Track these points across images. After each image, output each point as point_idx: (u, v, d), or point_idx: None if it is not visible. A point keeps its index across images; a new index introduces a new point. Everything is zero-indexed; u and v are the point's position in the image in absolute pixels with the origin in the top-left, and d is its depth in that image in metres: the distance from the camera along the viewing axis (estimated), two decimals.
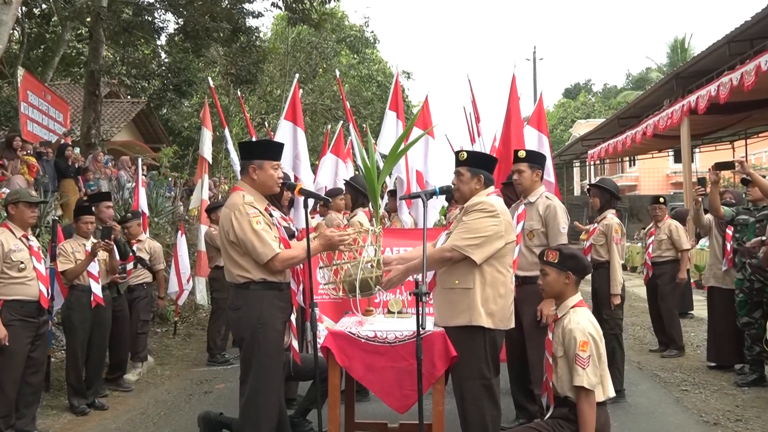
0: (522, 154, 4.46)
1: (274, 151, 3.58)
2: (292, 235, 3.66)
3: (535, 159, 4.47)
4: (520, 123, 6.47)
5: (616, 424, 4.47)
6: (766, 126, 17.53)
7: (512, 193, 5.37)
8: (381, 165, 6.00)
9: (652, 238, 7.22)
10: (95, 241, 5.33)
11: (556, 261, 3.26)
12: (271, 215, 3.51)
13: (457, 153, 3.64)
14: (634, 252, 18.29)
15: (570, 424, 3.09)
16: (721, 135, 18.96)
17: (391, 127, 7.04)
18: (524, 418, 4.31)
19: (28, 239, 4.58)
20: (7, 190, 6.93)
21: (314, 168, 8.10)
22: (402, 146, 3.89)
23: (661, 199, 7.56)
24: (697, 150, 20.88)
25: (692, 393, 5.53)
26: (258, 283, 3.35)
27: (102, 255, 5.37)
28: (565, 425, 3.10)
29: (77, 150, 11.93)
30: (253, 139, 7.27)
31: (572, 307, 3.23)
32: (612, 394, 3.18)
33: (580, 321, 3.14)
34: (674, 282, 6.98)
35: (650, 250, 7.21)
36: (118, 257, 5.72)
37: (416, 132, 6.35)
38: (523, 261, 4.32)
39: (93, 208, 5.75)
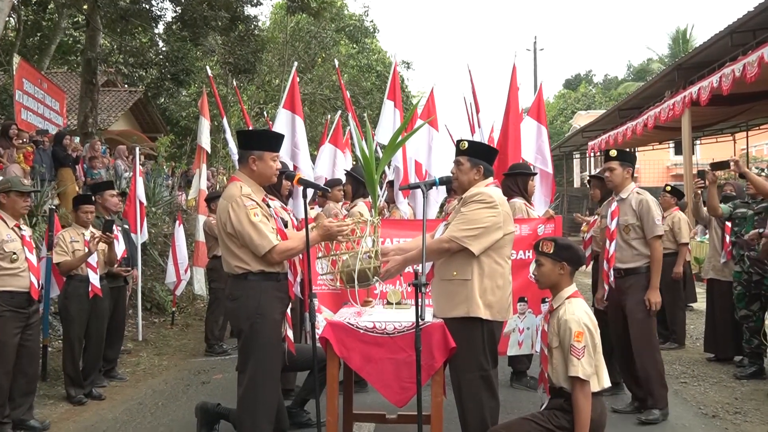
0: (613, 153, 4.68)
1: (274, 142, 3.56)
2: (287, 224, 3.62)
3: (626, 157, 4.72)
4: (519, 114, 6.44)
5: (613, 416, 4.47)
6: (767, 118, 17.47)
7: (513, 184, 5.35)
8: (380, 155, 5.96)
9: None
10: (94, 231, 5.29)
11: (551, 252, 3.24)
12: (268, 206, 3.48)
13: (457, 142, 3.60)
14: None
15: (566, 415, 3.08)
16: (722, 127, 18.92)
17: (389, 116, 6.99)
18: (638, 401, 4.66)
19: (20, 229, 4.53)
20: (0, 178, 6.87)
21: (314, 158, 8.05)
22: (401, 137, 3.86)
23: (668, 188, 7.34)
24: (697, 142, 20.85)
25: (691, 385, 5.53)
26: (256, 274, 3.33)
27: (101, 245, 5.34)
28: (561, 416, 3.10)
29: (77, 139, 11.86)
30: (251, 128, 7.21)
31: (567, 297, 3.22)
32: (607, 384, 3.17)
33: (576, 311, 3.13)
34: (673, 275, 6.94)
35: None
36: (118, 250, 5.67)
37: (418, 123, 6.30)
38: (622, 254, 4.58)
39: (96, 198, 5.71)
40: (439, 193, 6.74)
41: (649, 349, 4.52)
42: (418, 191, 4.05)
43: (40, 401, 5.08)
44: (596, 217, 5.52)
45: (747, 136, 20.00)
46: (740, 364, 5.91)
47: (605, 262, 4.66)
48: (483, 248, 3.28)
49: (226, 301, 3.53)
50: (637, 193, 4.61)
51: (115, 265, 5.68)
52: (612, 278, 4.61)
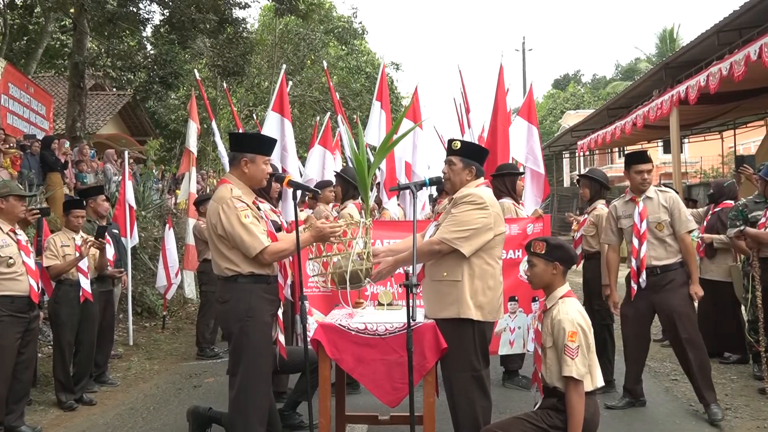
0: (649, 156, 4.76)
1: (266, 146, 3.56)
2: (279, 229, 3.62)
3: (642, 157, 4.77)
4: (507, 114, 6.46)
5: (606, 413, 4.49)
6: (754, 116, 17.61)
7: (501, 185, 5.36)
8: (370, 157, 5.97)
9: None
10: (84, 235, 5.28)
11: (543, 252, 3.25)
12: (258, 208, 3.48)
13: (450, 141, 3.57)
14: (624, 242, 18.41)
15: (559, 414, 3.09)
16: (710, 125, 19.04)
17: (376, 117, 7.00)
18: (629, 396, 4.81)
19: (16, 233, 4.51)
20: None
21: (304, 160, 8.05)
22: (394, 138, 3.86)
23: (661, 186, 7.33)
24: (686, 140, 20.97)
25: (681, 382, 5.54)
26: (246, 276, 3.32)
27: (92, 250, 5.32)
28: (554, 415, 3.10)
29: (67, 144, 11.77)
30: (241, 131, 7.19)
31: (561, 297, 3.22)
32: (600, 383, 3.18)
33: (569, 311, 3.14)
34: None
35: None
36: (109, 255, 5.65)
37: (406, 124, 6.31)
38: (657, 252, 4.57)
39: (88, 202, 5.69)
40: (426, 191, 6.76)
41: (701, 343, 4.55)
42: (407, 192, 4.04)
43: (31, 407, 5.03)
44: (586, 215, 5.55)
45: (734, 135, 20.16)
46: (725, 360, 5.97)
47: (634, 261, 4.61)
48: (473, 249, 3.28)
49: (216, 304, 3.51)
50: (661, 190, 4.67)
51: (108, 269, 5.66)
52: (643, 278, 4.58)
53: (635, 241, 4.62)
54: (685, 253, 4.54)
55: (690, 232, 4.54)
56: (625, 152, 5.24)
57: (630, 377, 4.83)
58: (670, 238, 4.55)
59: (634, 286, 4.65)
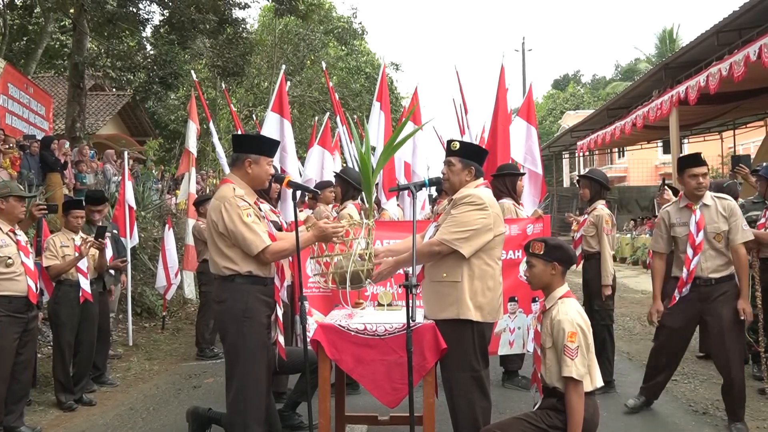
0: (704, 159, 4.42)
1: (270, 147, 3.58)
2: (279, 229, 3.62)
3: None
4: (507, 114, 6.46)
5: (605, 414, 4.49)
6: (754, 116, 17.63)
7: (501, 185, 5.36)
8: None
9: None
10: (84, 236, 5.28)
11: (542, 252, 3.25)
12: (260, 209, 3.48)
13: (449, 142, 3.57)
14: (624, 243, 18.41)
15: (559, 415, 3.09)
16: (709, 125, 19.06)
17: (375, 118, 7.00)
18: (645, 396, 4.73)
19: (15, 234, 4.51)
20: None
21: (303, 160, 8.05)
22: (398, 140, 3.86)
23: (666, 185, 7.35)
24: (685, 141, 20.99)
25: (681, 383, 5.56)
26: (244, 276, 3.32)
27: (91, 251, 5.33)
28: (554, 416, 3.10)
29: (67, 144, 11.77)
30: (240, 132, 7.20)
31: (560, 297, 3.22)
32: (600, 384, 3.18)
33: (569, 312, 3.14)
34: None
35: None
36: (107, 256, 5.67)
37: (408, 126, 6.30)
38: (713, 263, 4.30)
39: (92, 208, 5.72)
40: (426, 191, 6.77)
41: (741, 359, 4.38)
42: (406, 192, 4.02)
43: (30, 407, 5.03)
44: (586, 216, 5.55)
45: (734, 135, 20.18)
46: None
47: (685, 271, 4.33)
48: (473, 250, 3.28)
49: (213, 304, 3.51)
50: (718, 197, 4.37)
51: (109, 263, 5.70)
52: (687, 288, 4.33)
53: (689, 251, 4.32)
54: (737, 265, 4.27)
55: (745, 243, 4.28)
56: (679, 156, 4.99)
57: (657, 389, 4.73)
58: (726, 249, 4.29)
59: (677, 295, 4.39)
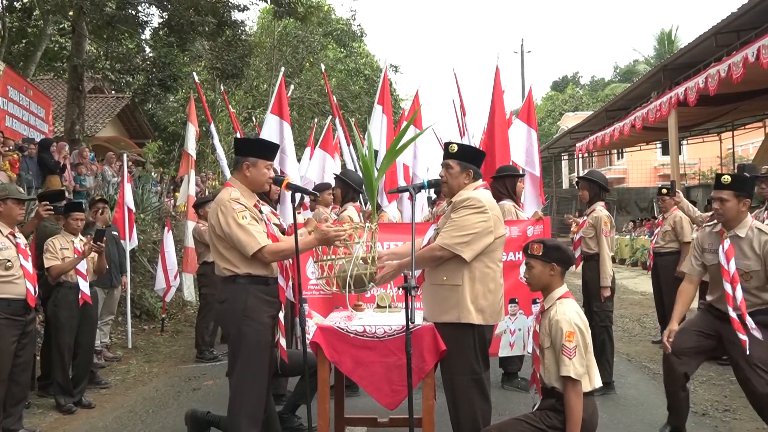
0: (726, 179, 3.78)
1: (269, 151, 3.59)
2: (282, 232, 3.63)
3: (743, 186, 3.78)
4: (504, 115, 6.46)
5: (605, 415, 4.49)
6: (752, 118, 17.66)
7: (501, 186, 5.36)
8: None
9: (659, 228, 7.18)
10: (83, 239, 5.29)
11: (540, 254, 3.25)
12: (260, 211, 3.49)
13: (446, 145, 3.56)
14: (623, 244, 18.43)
15: (557, 415, 3.09)
16: (708, 127, 19.10)
17: (377, 121, 7.01)
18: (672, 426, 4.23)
19: (14, 237, 4.51)
20: None
21: (299, 159, 8.04)
22: (400, 144, 3.85)
23: (664, 190, 7.30)
24: (684, 142, 21.02)
25: None
26: (243, 276, 3.34)
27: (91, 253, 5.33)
28: (552, 416, 3.10)
29: (67, 147, 11.76)
30: (238, 134, 7.20)
31: (558, 298, 3.23)
32: (599, 384, 3.17)
33: (567, 312, 3.14)
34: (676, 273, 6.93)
35: (654, 240, 7.17)
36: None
37: (410, 129, 6.30)
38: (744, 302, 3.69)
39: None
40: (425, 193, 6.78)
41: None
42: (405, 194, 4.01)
43: (29, 410, 5.03)
44: (585, 217, 5.55)
45: (733, 136, 20.21)
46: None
47: (731, 310, 3.69)
48: (475, 254, 3.27)
49: (216, 305, 3.52)
50: (759, 229, 3.73)
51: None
52: (752, 324, 3.65)
53: (727, 287, 3.71)
54: None
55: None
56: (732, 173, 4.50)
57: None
58: (758, 291, 3.70)
59: (744, 338, 3.64)
